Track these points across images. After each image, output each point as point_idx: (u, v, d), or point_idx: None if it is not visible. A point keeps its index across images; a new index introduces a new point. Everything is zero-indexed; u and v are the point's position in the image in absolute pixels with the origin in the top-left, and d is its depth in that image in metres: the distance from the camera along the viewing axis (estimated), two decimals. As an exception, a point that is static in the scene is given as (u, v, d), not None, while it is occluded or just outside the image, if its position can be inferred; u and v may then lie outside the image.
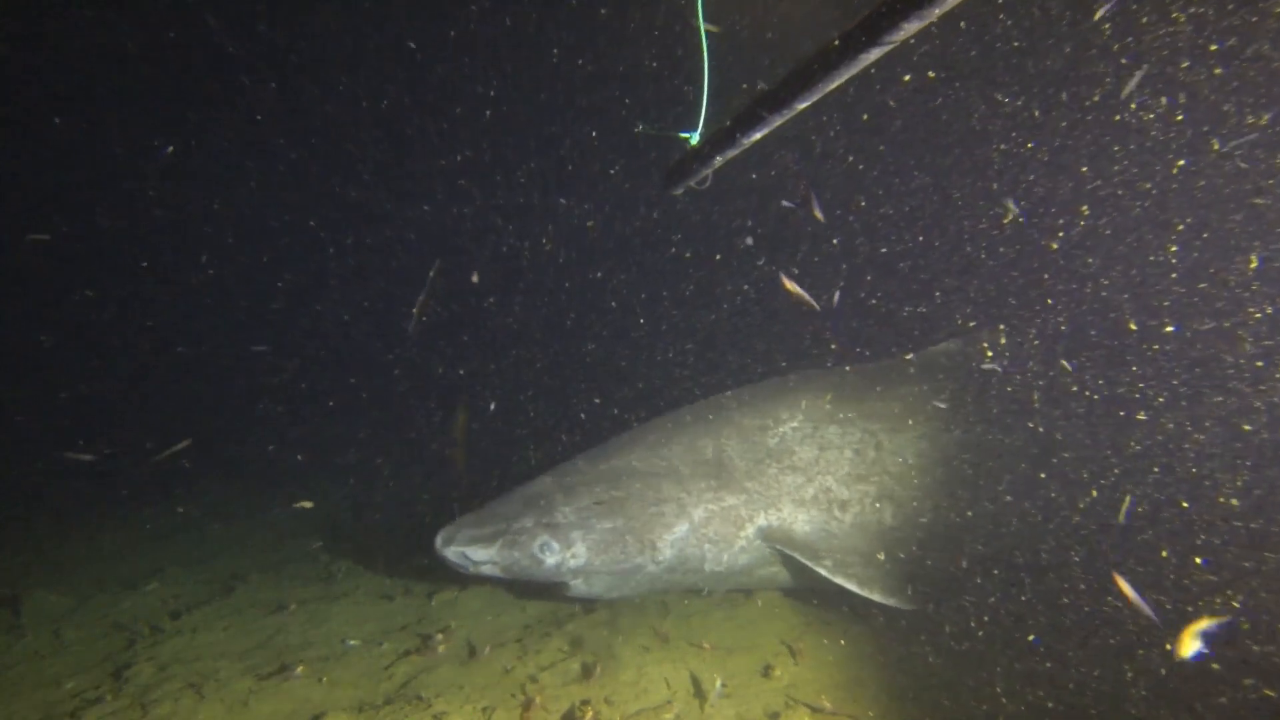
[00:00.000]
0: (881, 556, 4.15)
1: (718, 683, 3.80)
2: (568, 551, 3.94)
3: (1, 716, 3.72)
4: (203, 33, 11.46)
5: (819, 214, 5.21)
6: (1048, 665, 4.03)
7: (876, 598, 3.81)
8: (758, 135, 2.52)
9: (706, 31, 3.05)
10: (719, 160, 2.88)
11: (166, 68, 12.21)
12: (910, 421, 4.41)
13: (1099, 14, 7.64)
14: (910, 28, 1.65)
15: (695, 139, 3.06)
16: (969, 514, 4.41)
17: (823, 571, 3.80)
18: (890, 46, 1.76)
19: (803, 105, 2.21)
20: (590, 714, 3.52)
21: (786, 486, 4.13)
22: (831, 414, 4.33)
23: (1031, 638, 4.13)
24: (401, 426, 11.31)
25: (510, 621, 4.55)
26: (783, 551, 4.07)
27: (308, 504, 7.52)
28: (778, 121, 2.37)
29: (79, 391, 11.81)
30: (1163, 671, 3.79)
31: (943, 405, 4.52)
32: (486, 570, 4.02)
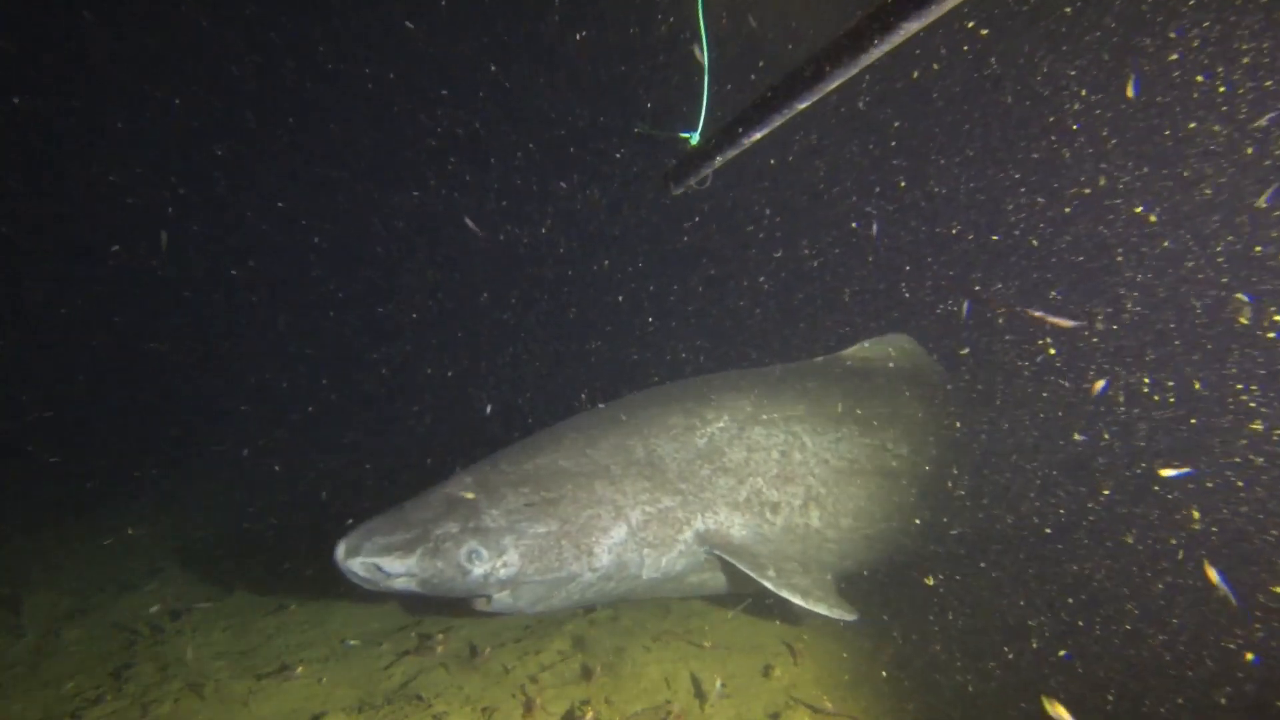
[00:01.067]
0: (815, 562, 4.05)
1: (718, 683, 3.79)
2: (498, 560, 3.54)
3: (1, 716, 3.72)
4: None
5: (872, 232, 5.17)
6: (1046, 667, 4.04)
7: (820, 610, 3.64)
8: (758, 135, 2.52)
9: (699, 56, 3.07)
10: (719, 160, 2.87)
11: (123, 38, 11.66)
12: (831, 423, 4.25)
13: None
14: (910, 27, 1.65)
15: (695, 139, 3.06)
16: (895, 518, 4.30)
17: (767, 584, 3.61)
18: (890, 46, 1.76)
19: (803, 105, 2.21)
20: (590, 714, 3.52)
21: (720, 488, 3.92)
22: (754, 414, 4.17)
23: (1062, 653, 4.06)
24: (388, 428, 10.97)
25: (510, 621, 4.55)
26: (720, 557, 3.86)
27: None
28: (778, 121, 2.37)
29: (40, 392, 11.08)
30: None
31: (863, 407, 4.37)
32: (400, 585, 3.55)
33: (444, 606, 4.84)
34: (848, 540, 4.15)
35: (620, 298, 12.49)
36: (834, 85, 2.05)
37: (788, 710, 3.67)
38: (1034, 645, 4.14)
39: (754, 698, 3.75)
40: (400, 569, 3.49)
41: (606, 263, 12.70)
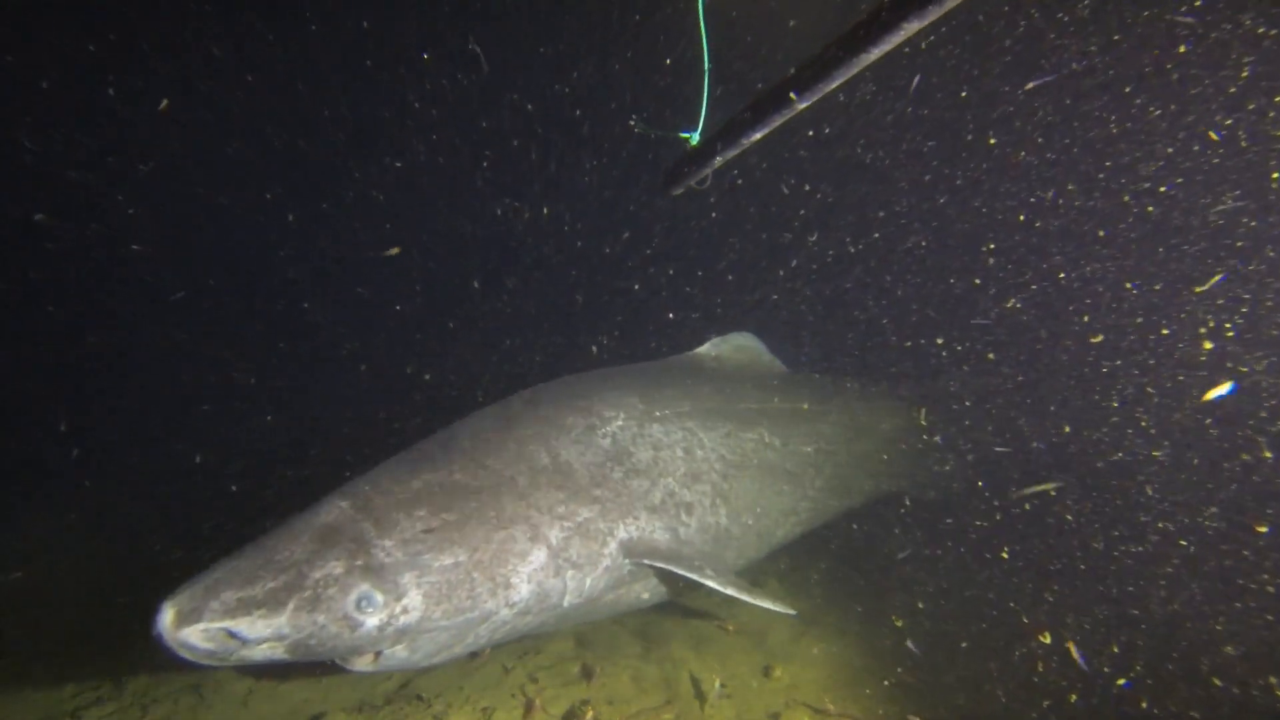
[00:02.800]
0: (723, 562, 3.86)
1: (717, 683, 3.80)
2: (397, 605, 2.78)
3: (1, 716, 3.72)
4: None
5: None
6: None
7: (767, 605, 3.42)
8: (757, 135, 2.52)
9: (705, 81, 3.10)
10: (719, 160, 2.88)
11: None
12: (718, 418, 4.08)
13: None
14: (911, 27, 1.65)
15: (695, 139, 3.06)
16: (782, 511, 4.25)
17: (710, 584, 3.30)
18: (890, 46, 1.76)
19: (803, 105, 2.21)
20: (590, 714, 3.52)
21: (636, 492, 3.54)
22: (648, 411, 3.86)
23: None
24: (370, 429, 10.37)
25: (510, 622, 4.55)
26: (649, 567, 3.47)
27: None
28: (778, 121, 2.37)
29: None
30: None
31: (737, 401, 4.28)
32: (262, 654, 2.62)
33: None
34: (749, 537, 4.01)
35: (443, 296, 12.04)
36: (834, 86, 2.06)
37: (788, 710, 3.67)
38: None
39: (754, 698, 3.76)
40: (266, 632, 2.54)
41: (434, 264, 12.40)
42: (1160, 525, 5.54)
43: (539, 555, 3.13)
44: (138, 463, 8.10)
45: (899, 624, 4.77)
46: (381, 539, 2.89)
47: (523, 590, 3.08)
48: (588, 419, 3.69)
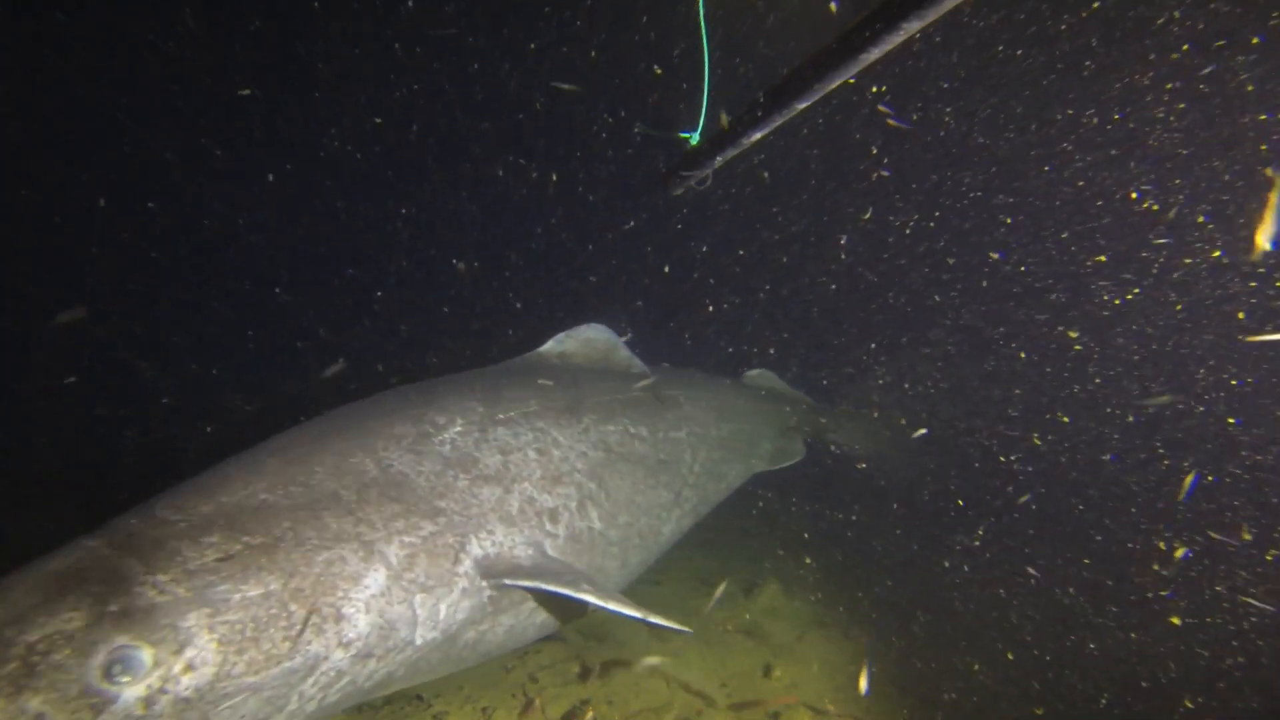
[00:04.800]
0: (602, 572, 3.52)
1: (717, 683, 3.80)
2: (177, 660, 2.07)
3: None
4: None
5: None
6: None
7: (659, 622, 2.97)
8: (758, 135, 2.53)
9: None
10: (719, 160, 2.88)
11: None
12: (571, 414, 3.72)
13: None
14: (911, 27, 1.66)
15: (695, 139, 3.07)
16: (660, 505, 3.92)
17: (591, 601, 2.85)
18: (890, 47, 1.77)
19: (803, 105, 2.22)
20: (590, 714, 3.52)
21: (487, 501, 3.06)
22: (489, 414, 3.43)
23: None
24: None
25: (510, 622, 4.55)
26: (515, 591, 2.97)
27: None
28: (778, 121, 2.38)
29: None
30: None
31: (591, 395, 3.92)
32: None
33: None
34: (630, 539, 3.65)
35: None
36: (834, 86, 2.06)
37: (788, 710, 3.67)
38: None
39: (754, 698, 3.76)
40: None
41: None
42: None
43: (376, 578, 2.55)
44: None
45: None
46: (152, 574, 2.19)
47: (360, 623, 2.46)
48: (419, 426, 3.17)
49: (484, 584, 2.87)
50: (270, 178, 12.44)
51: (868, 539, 6.76)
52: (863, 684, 4.21)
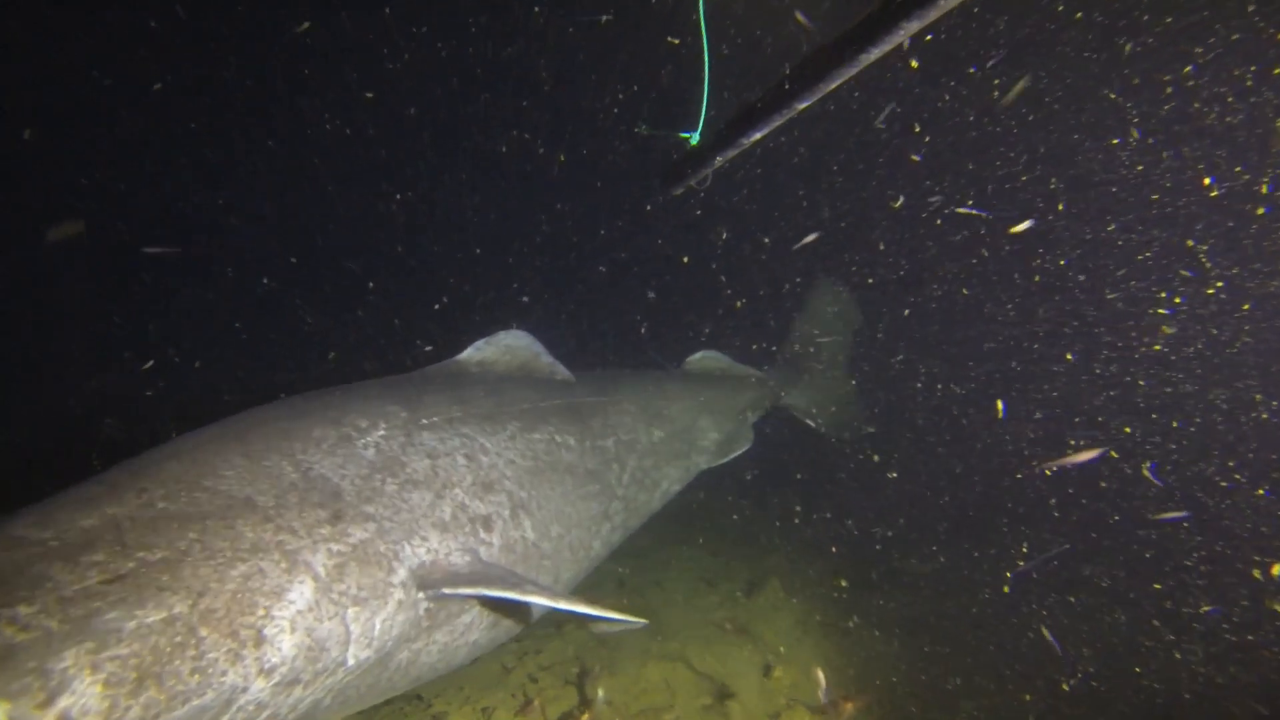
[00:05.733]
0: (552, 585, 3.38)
1: (717, 684, 3.80)
2: (49, 709, 1.73)
3: (2, 716, 3.71)
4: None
5: None
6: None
7: (616, 616, 2.86)
8: (758, 135, 2.52)
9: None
10: (719, 160, 2.88)
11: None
12: (496, 421, 3.54)
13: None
14: (910, 27, 1.65)
15: (695, 139, 3.06)
16: (591, 516, 3.75)
17: (538, 599, 2.69)
18: (890, 47, 1.76)
19: (803, 105, 2.21)
20: (590, 714, 3.52)
21: (418, 507, 2.85)
22: (413, 418, 3.23)
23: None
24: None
25: (510, 621, 4.55)
26: (453, 601, 2.77)
27: None
28: (778, 121, 2.37)
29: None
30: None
31: (515, 402, 3.75)
32: None
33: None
34: (562, 552, 3.48)
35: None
36: (834, 86, 2.06)
37: (788, 710, 3.67)
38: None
39: (754, 698, 3.76)
40: None
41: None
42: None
43: (303, 591, 2.27)
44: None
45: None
46: (11, 607, 1.81)
47: (284, 645, 2.16)
48: (340, 429, 2.92)
49: (420, 595, 2.65)
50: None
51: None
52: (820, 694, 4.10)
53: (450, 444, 3.18)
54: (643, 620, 2.90)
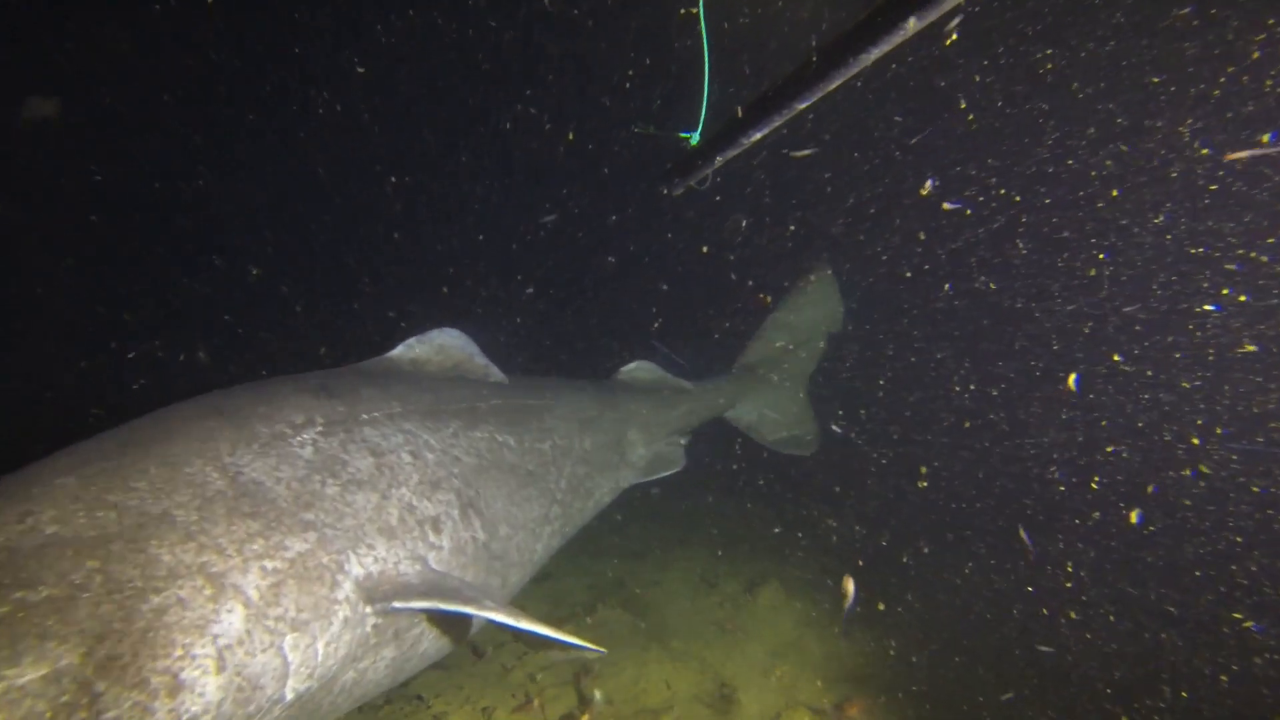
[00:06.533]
0: (501, 591, 3.23)
1: (716, 684, 3.80)
2: None
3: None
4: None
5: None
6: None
7: (574, 641, 2.65)
8: (757, 135, 2.52)
9: None
10: (719, 160, 2.88)
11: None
12: (437, 418, 3.37)
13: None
14: (910, 27, 1.65)
15: (695, 139, 3.06)
16: (535, 517, 3.60)
17: (502, 620, 2.49)
18: (890, 46, 1.76)
19: (803, 105, 2.21)
20: (589, 715, 3.52)
21: (363, 510, 2.59)
22: (352, 414, 2.98)
23: None
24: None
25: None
26: (401, 616, 2.52)
27: None
28: (778, 121, 2.37)
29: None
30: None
31: (462, 400, 3.62)
32: None
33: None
34: (510, 554, 3.31)
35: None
36: (834, 86, 2.06)
37: (788, 710, 3.67)
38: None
39: (755, 698, 3.76)
40: None
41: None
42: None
43: (231, 621, 1.98)
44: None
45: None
46: None
47: (208, 690, 1.87)
48: (272, 426, 2.65)
49: (368, 610, 2.38)
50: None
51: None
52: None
53: (394, 440, 2.96)
54: (600, 649, 2.68)
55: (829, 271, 5.84)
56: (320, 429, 2.76)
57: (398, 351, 3.79)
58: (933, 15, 1.60)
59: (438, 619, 2.67)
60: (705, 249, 11.25)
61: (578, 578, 5.25)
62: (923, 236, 10.14)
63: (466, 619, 2.58)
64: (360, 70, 12.04)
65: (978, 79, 8.99)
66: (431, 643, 2.72)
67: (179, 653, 1.82)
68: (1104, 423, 7.98)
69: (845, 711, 3.80)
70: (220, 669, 1.90)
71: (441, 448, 3.14)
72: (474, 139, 12.76)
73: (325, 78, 12.04)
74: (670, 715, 3.57)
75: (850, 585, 4.05)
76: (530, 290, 12.35)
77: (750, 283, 10.49)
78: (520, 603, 4.89)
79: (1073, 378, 7.90)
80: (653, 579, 5.23)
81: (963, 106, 9.21)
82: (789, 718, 3.63)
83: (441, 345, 3.94)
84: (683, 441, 4.80)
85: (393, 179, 12.61)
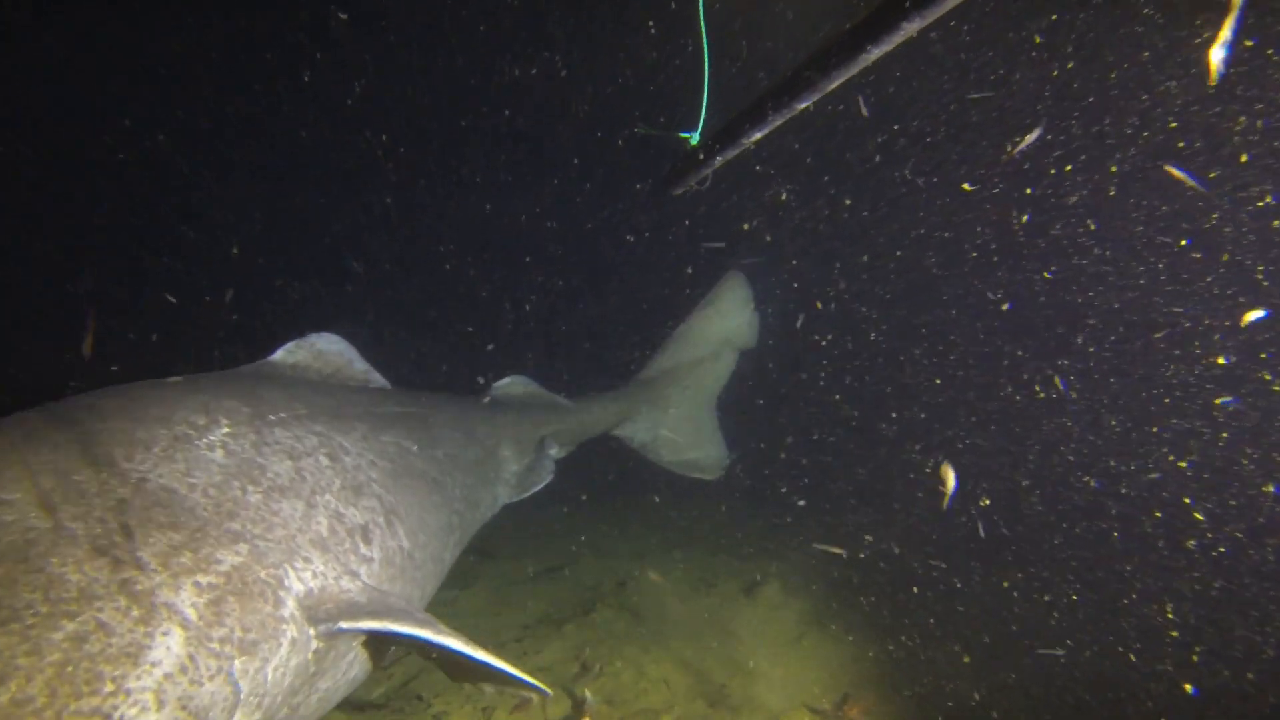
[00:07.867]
0: (421, 602, 3.06)
1: (716, 684, 3.80)
2: None
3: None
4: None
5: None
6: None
7: (525, 678, 2.38)
8: (758, 135, 2.52)
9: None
10: (719, 160, 2.88)
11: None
12: (344, 421, 3.16)
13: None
14: (910, 27, 1.65)
15: (695, 139, 3.06)
16: (447, 524, 3.45)
17: (458, 647, 2.25)
18: (890, 46, 1.76)
19: (803, 105, 2.21)
20: (590, 714, 3.52)
21: (291, 519, 2.35)
22: (259, 414, 2.74)
23: None
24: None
25: (510, 621, 4.55)
26: (342, 639, 2.22)
27: None
28: (778, 121, 2.37)
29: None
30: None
31: (359, 404, 3.44)
32: None
33: (443, 606, 4.84)
34: (428, 564, 3.11)
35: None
36: (834, 86, 2.06)
37: (788, 710, 3.67)
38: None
39: (754, 698, 3.75)
40: None
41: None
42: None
43: (169, 646, 1.71)
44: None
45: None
46: None
47: None
48: (171, 428, 2.36)
49: (311, 630, 2.10)
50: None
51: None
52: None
53: (308, 442, 2.73)
54: (547, 690, 2.44)
55: (741, 279, 5.37)
56: (227, 430, 2.50)
57: (278, 355, 3.61)
58: (934, 14, 1.60)
59: (368, 641, 2.36)
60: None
61: (577, 578, 5.26)
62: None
63: (390, 639, 2.29)
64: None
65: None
66: (360, 667, 2.42)
67: (109, 688, 1.52)
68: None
69: (845, 711, 3.80)
70: (160, 704, 1.61)
71: (357, 450, 2.94)
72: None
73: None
74: (670, 715, 3.57)
75: (950, 474, 3.90)
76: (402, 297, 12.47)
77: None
78: (518, 602, 4.92)
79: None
80: (652, 579, 5.23)
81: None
82: (789, 718, 3.63)
83: (321, 350, 3.77)
84: (554, 454, 4.50)
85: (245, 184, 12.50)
